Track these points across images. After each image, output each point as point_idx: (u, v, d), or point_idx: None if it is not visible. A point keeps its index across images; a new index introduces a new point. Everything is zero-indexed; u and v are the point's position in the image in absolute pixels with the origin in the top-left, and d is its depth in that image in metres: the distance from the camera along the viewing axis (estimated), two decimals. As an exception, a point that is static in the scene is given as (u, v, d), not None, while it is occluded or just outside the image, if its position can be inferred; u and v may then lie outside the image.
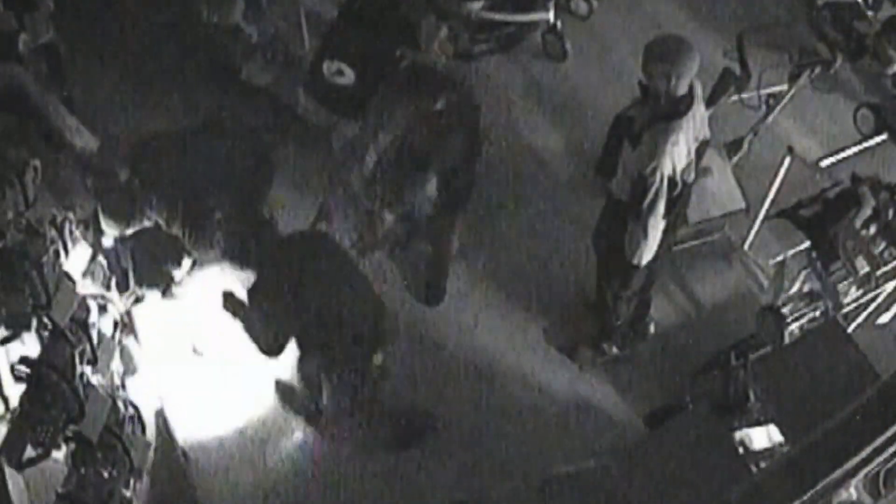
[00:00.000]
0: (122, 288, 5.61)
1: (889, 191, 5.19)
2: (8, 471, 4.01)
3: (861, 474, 3.40)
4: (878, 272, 5.18)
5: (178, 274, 5.89)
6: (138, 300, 5.80)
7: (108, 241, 5.49)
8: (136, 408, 5.15)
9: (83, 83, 6.64)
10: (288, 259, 5.02)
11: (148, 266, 5.85)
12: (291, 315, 4.96)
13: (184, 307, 5.87)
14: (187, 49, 6.96)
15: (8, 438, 4.08)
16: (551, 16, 6.82)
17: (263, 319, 5.00)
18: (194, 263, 5.86)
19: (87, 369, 4.64)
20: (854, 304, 5.35)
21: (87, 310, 4.91)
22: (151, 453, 5.05)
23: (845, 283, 5.23)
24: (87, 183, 5.47)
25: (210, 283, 5.98)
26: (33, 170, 4.65)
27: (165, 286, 5.88)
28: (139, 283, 5.77)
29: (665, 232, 5.15)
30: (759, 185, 5.97)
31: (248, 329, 5.06)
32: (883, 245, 5.20)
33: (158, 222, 5.49)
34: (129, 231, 5.50)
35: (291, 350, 5.12)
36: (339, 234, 5.57)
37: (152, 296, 5.91)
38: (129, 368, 5.43)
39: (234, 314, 5.15)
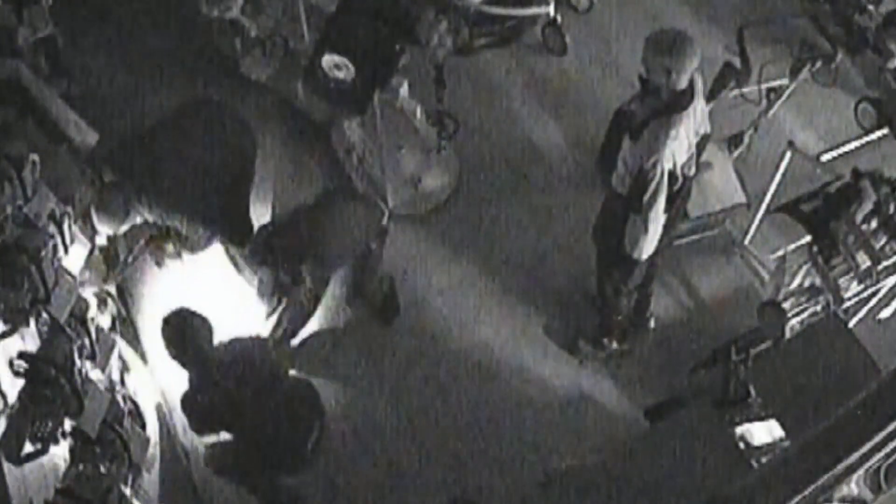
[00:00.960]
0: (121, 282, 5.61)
1: (890, 185, 5.17)
2: (7, 466, 4.01)
3: (862, 469, 3.39)
4: (879, 267, 5.17)
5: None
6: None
7: (101, 240, 5.48)
8: (135, 403, 5.15)
9: (82, 77, 6.64)
10: (212, 370, 4.93)
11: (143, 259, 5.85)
12: (222, 419, 4.97)
13: (183, 301, 5.85)
14: (186, 43, 6.96)
15: (7, 434, 4.08)
16: (551, 10, 6.80)
17: (197, 415, 4.97)
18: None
19: (86, 364, 4.64)
20: (855, 299, 5.34)
21: (86, 305, 4.91)
22: (151, 449, 5.05)
23: (846, 277, 5.22)
24: (87, 177, 5.47)
25: (210, 276, 5.99)
26: (32, 164, 4.65)
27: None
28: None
29: (665, 226, 5.14)
30: (760, 179, 5.97)
31: (183, 407, 4.97)
32: (884, 240, 5.19)
33: (152, 217, 5.48)
34: (124, 227, 5.50)
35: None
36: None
37: (151, 290, 5.92)
38: (129, 364, 5.43)
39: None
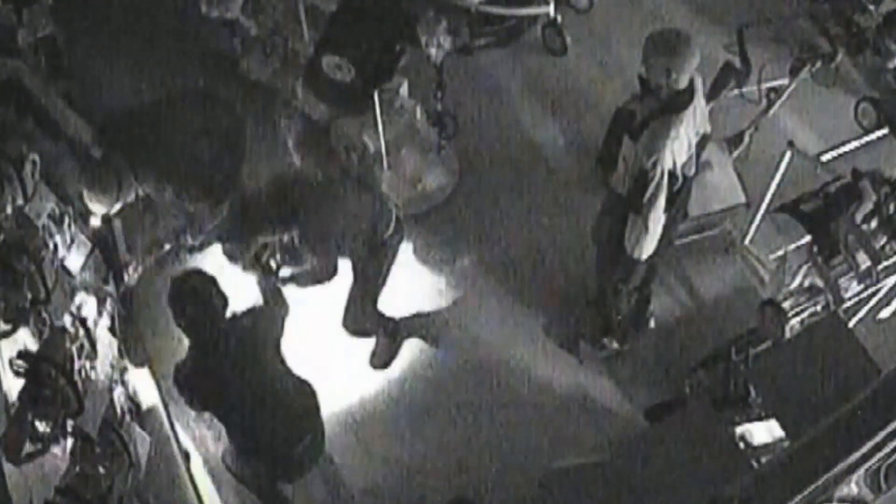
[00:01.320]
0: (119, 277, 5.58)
1: (890, 185, 5.17)
2: (7, 466, 4.00)
3: (862, 469, 3.39)
4: (879, 267, 5.17)
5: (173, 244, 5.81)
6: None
7: (95, 221, 5.41)
8: (135, 403, 5.14)
9: (82, 77, 6.63)
10: (219, 342, 4.62)
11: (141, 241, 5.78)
12: (214, 398, 4.72)
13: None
14: (187, 43, 6.96)
15: (7, 433, 4.07)
16: (551, 9, 6.82)
17: (188, 390, 4.70)
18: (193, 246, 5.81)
19: (86, 364, 4.63)
20: (855, 299, 5.33)
21: (86, 304, 4.91)
22: (151, 449, 5.05)
23: (846, 277, 5.22)
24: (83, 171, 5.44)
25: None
26: (32, 164, 4.65)
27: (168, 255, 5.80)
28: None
29: (665, 226, 5.14)
30: (760, 179, 5.96)
31: (176, 378, 4.70)
32: (884, 239, 5.19)
33: (147, 194, 5.38)
34: (117, 206, 5.33)
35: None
36: None
37: (152, 290, 5.90)
38: (128, 362, 5.42)
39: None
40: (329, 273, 5.46)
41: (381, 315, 5.86)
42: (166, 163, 5.31)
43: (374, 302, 5.68)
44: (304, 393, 4.99)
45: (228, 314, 4.69)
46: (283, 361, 4.89)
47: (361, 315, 5.66)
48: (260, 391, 4.71)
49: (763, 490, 3.29)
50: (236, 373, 4.62)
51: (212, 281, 4.64)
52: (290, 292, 5.90)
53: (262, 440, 4.83)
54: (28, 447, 4.10)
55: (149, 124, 5.37)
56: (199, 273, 4.71)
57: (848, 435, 3.25)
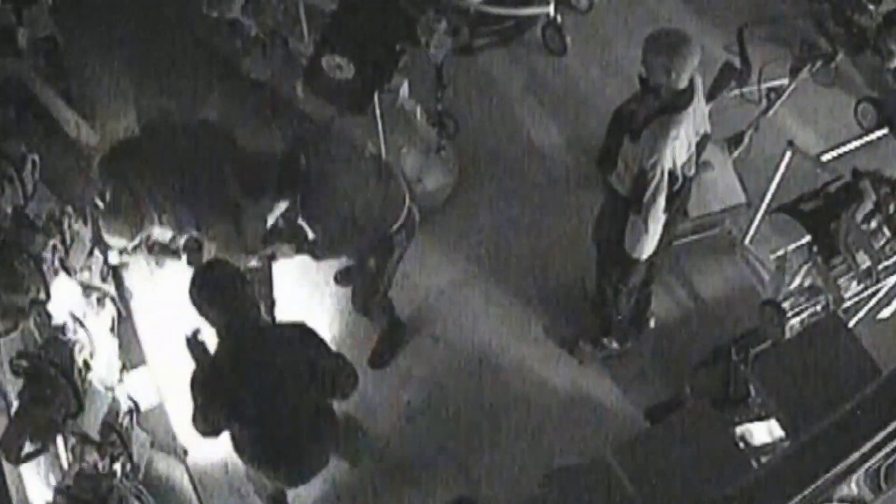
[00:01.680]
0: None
1: (890, 185, 5.16)
2: (7, 466, 4.01)
3: (862, 469, 3.39)
4: (880, 267, 5.17)
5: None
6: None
7: (114, 258, 5.32)
8: (134, 402, 5.15)
9: (82, 77, 6.64)
10: (255, 338, 4.37)
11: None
12: (228, 413, 4.40)
13: (184, 300, 5.84)
14: (186, 43, 6.96)
15: (7, 433, 4.09)
16: (551, 10, 6.81)
17: (200, 405, 4.39)
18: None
19: (86, 364, 4.64)
20: (855, 299, 5.33)
21: (86, 304, 4.91)
22: (150, 449, 5.05)
23: (846, 277, 5.22)
24: (87, 176, 5.44)
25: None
26: (32, 164, 4.65)
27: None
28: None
29: (665, 226, 5.13)
30: (760, 179, 5.96)
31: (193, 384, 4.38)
32: (884, 240, 5.18)
33: (167, 225, 5.11)
34: (136, 241, 5.10)
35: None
36: None
37: (152, 288, 5.91)
38: (128, 362, 5.43)
39: (196, 359, 4.47)
40: (328, 252, 5.35)
41: (388, 307, 5.83)
42: (182, 195, 4.99)
43: (377, 295, 5.63)
44: (328, 415, 4.72)
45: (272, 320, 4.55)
46: (319, 395, 4.57)
47: (367, 301, 5.65)
48: (285, 407, 4.43)
49: (763, 490, 3.29)
50: (267, 379, 4.31)
51: (239, 271, 4.42)
52: (290, 291, 5.92)
53: (276, 454, 4.64)
54: (28, 447, 4.11)
55: (155, 157, 5.06)
56: (226, 262, 4.49)
57: (848, 435, 3.24)
